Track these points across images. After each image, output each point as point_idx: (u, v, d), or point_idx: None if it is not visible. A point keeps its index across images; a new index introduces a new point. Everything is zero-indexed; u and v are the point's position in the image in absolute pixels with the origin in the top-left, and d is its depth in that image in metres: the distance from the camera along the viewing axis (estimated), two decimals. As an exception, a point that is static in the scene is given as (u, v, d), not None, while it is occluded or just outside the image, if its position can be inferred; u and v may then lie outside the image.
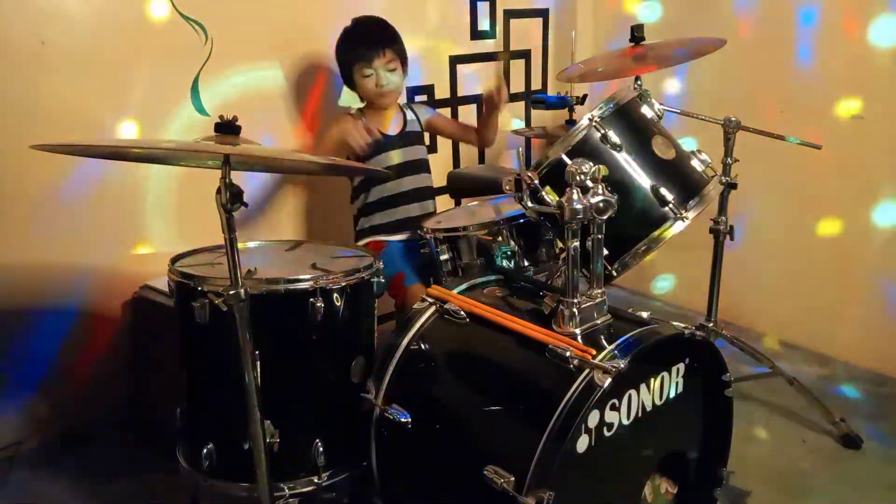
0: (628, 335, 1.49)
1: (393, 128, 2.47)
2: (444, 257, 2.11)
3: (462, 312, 1.68)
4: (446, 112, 3.17)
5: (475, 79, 3.21)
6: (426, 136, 2.61)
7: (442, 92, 3.13)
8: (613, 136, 1.78)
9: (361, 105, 2.49)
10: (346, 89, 2.54)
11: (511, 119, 3.45)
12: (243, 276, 1.41)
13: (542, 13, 3.44)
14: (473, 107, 3.26)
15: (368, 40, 2.37)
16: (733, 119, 2.26)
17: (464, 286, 1.80)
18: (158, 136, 2.41)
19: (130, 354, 2.44)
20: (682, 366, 1.59)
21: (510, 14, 3.28)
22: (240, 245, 1.42)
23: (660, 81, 3.15)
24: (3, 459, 2.26)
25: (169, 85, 2.40)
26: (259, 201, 2.62)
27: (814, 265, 2.86)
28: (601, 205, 1.51)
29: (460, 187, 2.84)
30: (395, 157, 2.46)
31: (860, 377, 2.71)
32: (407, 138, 2.50)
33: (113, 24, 2.27)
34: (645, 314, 1.62)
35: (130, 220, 2.42)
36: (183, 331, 1.77)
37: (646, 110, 1.89)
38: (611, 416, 1.45)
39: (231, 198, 1.35)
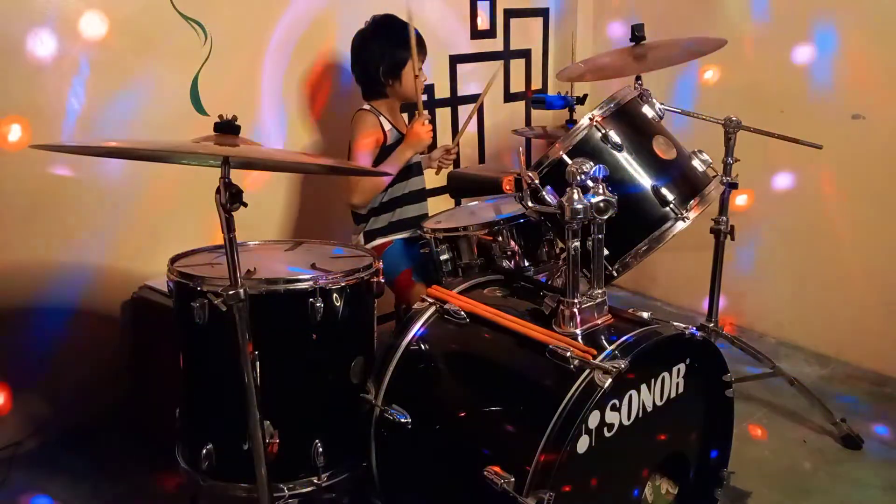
0: (629, 335, 1.49)
1: (404, 128, 2.49)
2: (444, 257, 2.11)
3: (462, 312, 1.68)
4: (446, 112, 3.18)
5: (475, 79, 3.21)
6: None
7: (442, 92, 3.13)
8: (614, 136, 1.78)
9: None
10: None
11: (511, 119, 3.44)
12: (243, 276, 1.41)
13: (543, 13, 3.44)
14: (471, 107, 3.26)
15: (423, 41, 2.42)
16: (733, 119, 2.26)
17: (464, 286, 1.79)
18: (158, 136, 2.41)
19: (130, 354, 2.43)
20: (682, 366, 1.59)
21: (510, 13, 3.28)
22: (239, 245, 1.42)
23: (660, 81, 3.15)
24: (3, 459, 2.25)
25: (169, 85, 2.40)
26: (259, 201, 2.62)
27: (814, 265, 2.86)
28: (602, 205, 1.51)
29: (460, 187, 2.84)
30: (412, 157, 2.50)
31: (860, 377, 2.71)
32: None
33: (113, 24, 2.27)
34: (645, 314, 1.62)
35: (130, 220, 2.42)
36: (182, 331, 1.77)
37: (646, 110, 1.89)
38: (611, 417, 1.45)
39: (231, 198, 1.35)
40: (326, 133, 2.78)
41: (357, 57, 2.44)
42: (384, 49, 2.38)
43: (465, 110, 3.23)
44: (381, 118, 2.40)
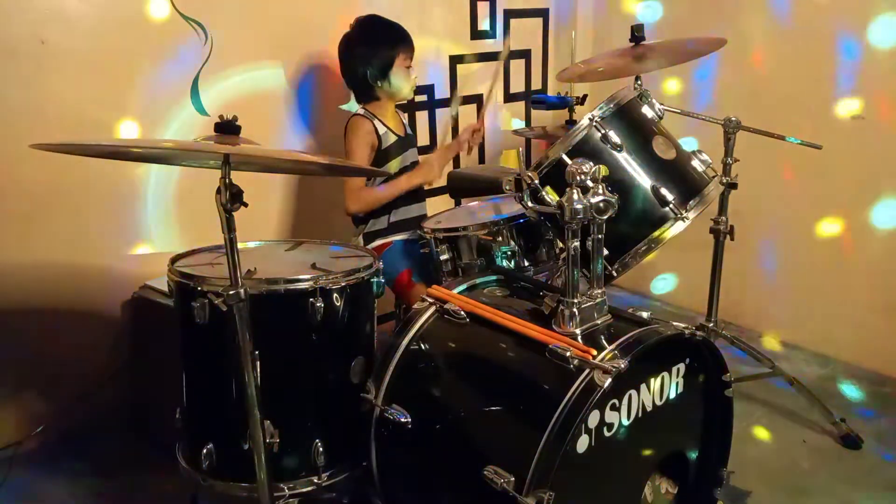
0: (628, 335, 1.49)
1: (401, 129, 2.49)
2: (444, 257, 2.11)
3: (462, 312, 1.68)
4: (446, 112, 3.18)
5: (475, 79, 3.21)
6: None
7: (442, 92, 3.13)
8: (614, 136, 1.78)
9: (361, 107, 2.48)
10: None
11: (511, 119, 3.45)
12: (243, 276, 1.41)
13: (543, 13, 3.44)
14: (473, 107, 3.26)
15: (408, 37, 2.41)
16: (733, 119, 2.26)
17: (464, 286, 1.80)
18: (158, 136, 2.41)
19: (130, 354, 2.43)
20: (682, 366, 1.59)
21: (510, 14, 3.28)
22: (240, 245, 1.42)
23: (660, 81, 3.15)
24: (3, 459, 2.25)
25: (169, 85, 2.40)
26: (259, 201, 2.62)
27: (814, 265, 2.86)
28: (601, 205, 1.51)
29: (460, 187, 2.84)
30: (411, 156, 2.51)
31: (860, 377, 2.71)
32: (412, 140, 2.56)
33: (113, 24, 2.27)
34: (645, 314, 1.62)
35: (130, 220, 2.42)
36: (183, 331, 1.77)
37: (646, 110, 1.89)
38: (611, 417, 1.45)
39: (231, 198, 1.35)
40: (326, 133, 2.78)
41: (344, 62, 2.42)
42: (369, 51, 2.36)
43: (465, 111, 3.23)
44: (376, 121, 2.39)
